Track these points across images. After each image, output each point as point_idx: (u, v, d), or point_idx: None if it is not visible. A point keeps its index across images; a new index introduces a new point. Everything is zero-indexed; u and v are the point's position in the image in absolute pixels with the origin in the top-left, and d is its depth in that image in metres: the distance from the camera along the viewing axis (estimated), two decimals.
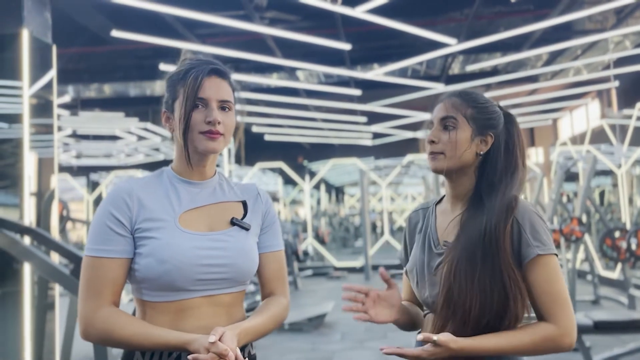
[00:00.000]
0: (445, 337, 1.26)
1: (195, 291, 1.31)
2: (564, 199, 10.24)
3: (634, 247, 6.31)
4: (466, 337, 1.28)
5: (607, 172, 11.17)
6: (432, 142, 1.45)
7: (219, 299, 1.34)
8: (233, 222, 1.40)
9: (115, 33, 5.45)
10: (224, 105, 1.37)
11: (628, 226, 8.32)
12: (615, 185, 12.47)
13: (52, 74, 4.44)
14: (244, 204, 1.46)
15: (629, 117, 9.21)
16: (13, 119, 4.20)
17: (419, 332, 1.36)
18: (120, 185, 1.34)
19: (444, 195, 1.57)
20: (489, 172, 1.43)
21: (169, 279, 1.27)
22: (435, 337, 1.24)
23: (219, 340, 1.19)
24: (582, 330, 4.51)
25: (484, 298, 1.31)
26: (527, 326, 1.33)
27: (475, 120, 1.44)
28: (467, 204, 1.44)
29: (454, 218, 1.46)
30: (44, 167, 4.32)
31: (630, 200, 10.47)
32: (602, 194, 13.21)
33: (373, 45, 8.26)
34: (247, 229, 1.41)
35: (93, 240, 1.30)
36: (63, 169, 14.28)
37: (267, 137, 13.89)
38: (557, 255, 1.36)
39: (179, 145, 1.38)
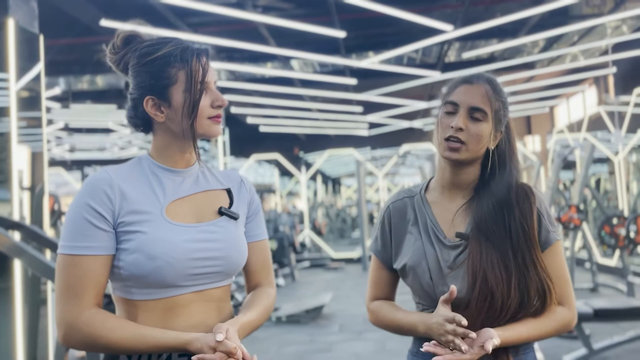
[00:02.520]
0: (488, 335, 1.23)
1: (186, 287, 1.23)
2: (561, 187, 10.20)
3: (632, 234, 6.27)
4: (497, 327, 1.27)
5: (604, 160, 11.13)
6: (460, 129, 1.35)
7: (210, 294, 1.27)
8: (221, 212, 1.31)
9: (105, 22, 5.34)
10: (217, 86, 1.31)
11: (626, 213, 8.29)
12: (611, 172, 12.44)
13: (40, 64, 4.34)
14: (229, 192, 1.38)
15: (627, 103, 9.15)
16: (0, 112, 4.10)
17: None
18: (98, 175, 1.24)
19: (428, 182, 1.50)
20: (502, 165, 1.40)
21: (159, 275, 1.18)
22: (473, 334, 1.22)
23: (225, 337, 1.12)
24: (582, 318, 4.49)
25: (520, 280, 1.30)
26: (549, 312, 1.34)
27: (497, 115, 1.38)
28: (473, 194, 1.40)
29: (459, 209, 1.40)
30: (34, 161, 4.23)
31: (628, 188, 10.43)
32: (598, 182, 13.19)
33: (368, 32, 8.16)
34: (236, 218, 1.33)
35: (70, 236, 1.18)
36: (56, 163, 14.16)
37: (262, 129, 13.79)
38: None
39: (170, 133, 1.28)
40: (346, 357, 5.15)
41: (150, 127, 1.31)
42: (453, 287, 1.27)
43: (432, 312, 1.35)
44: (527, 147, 14.86)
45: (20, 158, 4.19)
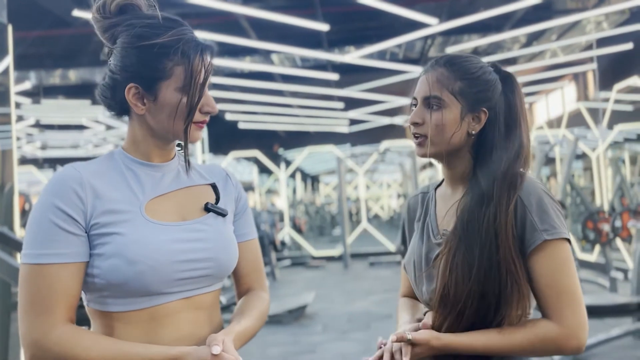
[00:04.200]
0: (424, 335, 1.14)
1: (172, 294, 1.09)
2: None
3: (616, 229, 6.29)
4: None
5: (579, 156, 11.23)
6: (415, 123, 1.25)
7: (199, 301, 1.13)
8: (208, 208, 1.18)
9: (77, 13, 5.11)
10: (217, 67, 1.20)
11: (605, 209, 8.34)
12: (586, 169, 12.58)
13: (9, 57, 4.12)
14: (214, 187, 1.24)
15: (607, 100, 9.22)
16: None
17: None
18: (66, 172, 1.08)
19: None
20: (485, 150, 1.24)
21: (141, 281, 1.03)
22: (409, 335, 1.13)
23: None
24: None
25: (480, 295, 1.14)
26: (525, 323, 1.16)
27: (465, 96, 1.23)
28: (467, 189, 1.25)
29: (453, 204, 1.27)
30: (3, 159, 4.02)
31: (602, 184, 10.54)
32: (572, 178, 13.33)
33: (351, 26, 8.06)
34: (224, 215, 1.19)
35: (35, 243, 1.02)
36: (27, 161, 13.77)
37: (241, 125, 13.60)
38: (569, 240, 1.16)
39: (147, 127, 1.13)
40: (331, 358, 5.05)
41: (126, 113, 1.16)
42: (426, 321, 1.19)
43: (428, 312, 1.31)
44: None
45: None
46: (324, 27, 6.23)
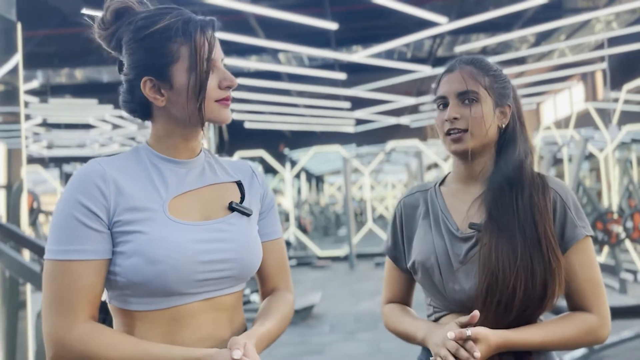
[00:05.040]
0: (484, 331, 1.12)
1: (193, 294, 1.06)
2: None
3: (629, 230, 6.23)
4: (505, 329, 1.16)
5: (586, 157, 11.17)
6: (455, 118, 1.27)
7: (221, 302, 1.11)
8: (232, 208, 1.14)
9: (86, 12, 5.09)
10: (224, 64, 1.13)
11: (614, 210, 8.28)
12: (592, 169, 12.51)
13: (18, 55, 4.11)
14: (239, 184, 1.21)
15: (616, 100, 9.15)
16: None
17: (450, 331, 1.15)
18: (89, 167, 1.06)
19: (446, 176, 1.42)
20: (508, 144, 1.30)
21: (162, 281, 1.01)
22: (469, 331, 1.11)
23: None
24: None
25: (528, 279, 1.17)
26: (569, 317, 1.22)
27: (493, 90, 1.29)
28: (489, 182, 1.29)
29: (475, 199, 1.29)
30: (11, 158, 4.01)
31: (609, 185, 10.48)
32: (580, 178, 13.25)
33: (359, 25, 8.02)
34: (248, 215, 1.16)
35: (58, 239, 1.01)
36: (34, 160, 13.80)
37: (247, 125, 13.59)
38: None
39: (172, 119, 1.10)
40: (339, 358, 5.03)
41: (149, 112, 1.13)
42: (475, 313, 1.15)
43: (444, 315, 1.29)
44: None
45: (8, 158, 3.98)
46: (332, 25, 6.21)
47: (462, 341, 1.12)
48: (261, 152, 13.89)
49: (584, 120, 10.66)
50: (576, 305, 1.22)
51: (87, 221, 1.01)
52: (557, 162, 11.05)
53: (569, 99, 13.59)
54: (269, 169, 15.66)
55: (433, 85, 1.38)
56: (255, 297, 6.41)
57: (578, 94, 13.31)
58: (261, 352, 1.09)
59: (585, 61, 8.96)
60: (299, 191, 22.10)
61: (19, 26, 4.15)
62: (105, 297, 1.10)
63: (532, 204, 1.21)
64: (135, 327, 1.05)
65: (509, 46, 9.07)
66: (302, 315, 6.76)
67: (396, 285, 1.45)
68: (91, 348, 0.98)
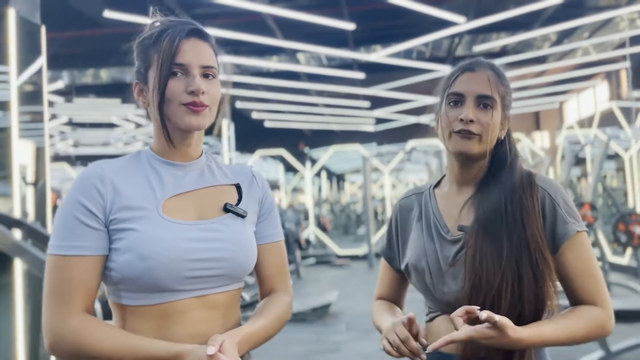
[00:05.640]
0: (506, 322, 1.08)
1: (184, 291, 1.10)
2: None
3: None
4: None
5: (611, 156, 10.95)
6: (471, 120, 1.25)
7: (213, 300, 1.14)
8: (227, 209, 1.19)
9: (108, 14, 5.22)
10: (207, 72, 1.14)
11: (638, 211, 8.12)
12: (619, 169, 12.25)
13: (42, 56, 4.22)
14: (238, 187, 1.25)
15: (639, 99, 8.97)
16: (1, 106, 4.00)
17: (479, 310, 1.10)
18: (90, 169, 1.12)
19: (441, 179, 1.43)
20: (504, 153, 1.31)
21: (152, 277, 1.06)
22: (497, 317, 1.06)
23: (219, 351, 1.01)
24: None
25: (515, 282, 1.16)
26: (577, 312, 1.20)
27: (503, 101, 1.29)
28: (479, 186, 1.30)
29: (466, 201, 1.29)
30: (37, 156, 4.14)
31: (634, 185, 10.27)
32: (604, 179, 13.01)
33: (377, 25, 8.00)
34: (243, 216, 1.20)
35: (59, 235, 1.08)
36: (60, 158, 14.10)
37: (267, 124, 13.67)
38: (588, 232, 1.27)
39: (156, 121, 1.16)
40: (354, 357, 5.05)
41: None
42: (471, 308, 1.11)
43: (437, 316, 1.31)
44: (536, 143, 14.68)
45: (23, 153, 4.10)
46: (349, 26, 6.22)
47: (490, 325, 1.07)
48: (281, 151, 13.97)
49: (608, 119, 10.46)
50: (578, 300, 1.22)
51: (86, 219, 1.07)
52: (580, 161, 10.88)
53: (593, 98, 13.35)
54: (289, 168, 15.74)
55: (442, 81, 1.35)
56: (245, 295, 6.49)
57: (602, 93, 13.06)
58: (247, 350, 1.12)
59: (609, 59, 8.79)
60: (319, 190, 22.13)
61: (43, 29, 4.27)
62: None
63: (521, 208, 1.21)
64: (129, 321, 1.10)
65: (529, 45, 8.95)
66: (319, 313, 6.79)
67: (388, 284, 1.48)
68: (82, 339, 1.04)
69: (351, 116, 13.22)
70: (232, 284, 1.17)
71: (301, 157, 15.50)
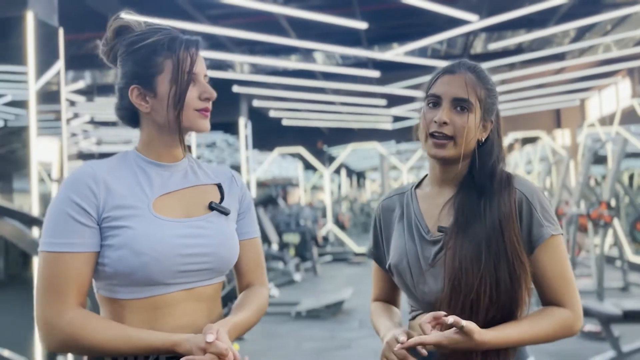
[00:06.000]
0: (473, 327, 1.13)
1: (173, 285, 1.17)
2: (592, 182, 9.89)
3: None
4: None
5: (637, 154, 10.73)
6: (444, 123, 1.27)
7: (199, 292, 1.22)
8: (212, 207, 1.26)
9: (125, 16, 5.32)
10: (207, 78, 1.26)
11: None
12: None
13: (59, 57, 4.35)
14: (220, 187, 1.32)
15: None
16: (21, 105, 4.14)
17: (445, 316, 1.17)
18: (82, 169, 1.19)
19: (423, 179, 1.45)
20: (484, 156, 1.32)
21: (146, 272, 1.13)
22: (463, 322, 1.12)
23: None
24: (611, 319, 4.32)
25: (492, 285, 1.20)
26: (543, 313, 1.25)
27: (483, 104, 1.30)
28: (459, 187, 1.33)
29: (446, 202, 1.32)
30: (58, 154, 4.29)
31: None
32: (631, 177, 12.75)
33: (391, 24, 7.99)
34: (226, 214, 1.27)
35: (51, 232, 1.13)
36: (84, 156, 14.39)
37: (285, 122, 13.75)
38: (563, 235, 1.29)
39: (155, 125, 1.23)
40: (366, 354, 5.08)
41: (137, 119, 1.26)
42: (438, 313, 1.17)
43: (419, 314, 1.34)
44: (557, 141, 14.48)
45: (47, 150, 4.24)
46: (362, 25, 6.24)
47: (457, 330, 1.12)
48: (299, 149, 14.04)
49: (630, 117, 10.26)
50: (549, 300, 1.26)
51: (78, 217, 1.13)
52: (601, 160, 10.69)
53: (615, 95, 13.10)
54: (309, 165, 15.81)
55: (426, 81, 1.38)
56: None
57: (624, 90, 12.81)
58: (234, 339, 1.19)
59: (630, 56, 8.62)
60: (339, 187, 22.16)
61: (60, 31, 4.40)
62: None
63: (499, 212, 1.23)
64: (121, 314, 1.16)
65: (548, 41, 8.83)
66: (333, 310, 6.83)
67: (381, 284, 1.50)
68: (78, 332, 1.09)
69: (368, 114, 13.21)
70: (216, 278, 1.25)
71: (319, 155, 15.56)
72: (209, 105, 1.24)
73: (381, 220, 1.45)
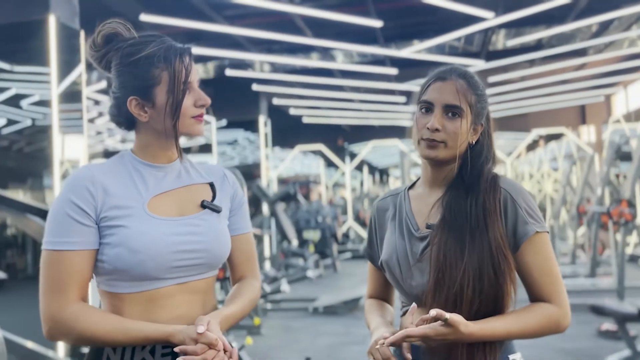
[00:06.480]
0: (458, 318, 1.17)
1: (168, 279, 1.25)
2: (620, 179, 9.69)
3: None
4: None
5: None
6: (436, 129, 1.32)
7: (194, 286, 1.29)
8: (204, 205, 1.33)
9: (144, 17, 5.46)
10: (200, 85, 1.33)
11: None
12: None
13: (81, 60, 4.50)
14: (212, 185, 1.39)
15: None
16: (48, 105, 4.30)
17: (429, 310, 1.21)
18: (81, 172, 1.26)
19: (417, 180, 1.50)
20: (474, 158, 1.36)
21: (141, 268, 1.20)
22: (447, 315, 1.16)
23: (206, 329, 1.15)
24: (627, 318, 4.27)
25: (475, 278, 1.23)
26: (530, 308, 1.28)
27: (473, 109, 1.35)
28: (448, 187, 1.38)
29: (436, 201, 1.37)
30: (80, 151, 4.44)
31: None
32: None
33: (407, 21, 7.97)
34: (218, 212, 1.34)
35: (53, 232, 1.21)
36: (110, 153, 14.71)
37: (305, 120, 13.81)
38: (548, 232, 1.33)
39: (153, 131, 1.29)
40: None
41: (134, 125, 1.32)
42: (414, 306, 1.25)
43: (408, 308, 1.36)
44: (582, 138, 14.22)
45: (74, 148, 4.40)
46: (377, 23, 6.26)
47: (442, 322, 1.16)
48: (320, 146, 14.10)
49: None
50: (536, 297, 1.29)
51: (78, 217, 1.20)
52: (626, 157, 10.48)
53: None
54: (331, 163, 15.85)
55: (421, 86, 1.42)
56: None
57: None
58: (225, 330, 1.27)
59: None
60: (361, 184, 22.15)
61: (82, 34, 4.55)
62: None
63: (484, 209, 1.28)
64: (119, 307, 1.24)
65: (569, 37, 8.68)
66: (349, 306, 6.89)
67: (375, 282, 1.56)
68: (80, 324, 1.17)
69: (388, 111, 13.18)
70: (209, 272, 1.32)
71: (340, 152, 15.58)
72: (204, 111, 1.31)
73: (376, 220, 1.51)
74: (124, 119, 1.31)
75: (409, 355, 1.22)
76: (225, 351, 1.17)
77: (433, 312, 1.15)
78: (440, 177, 1.39)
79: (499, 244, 1.25)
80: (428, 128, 1.32)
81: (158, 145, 1.31)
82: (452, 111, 1.32)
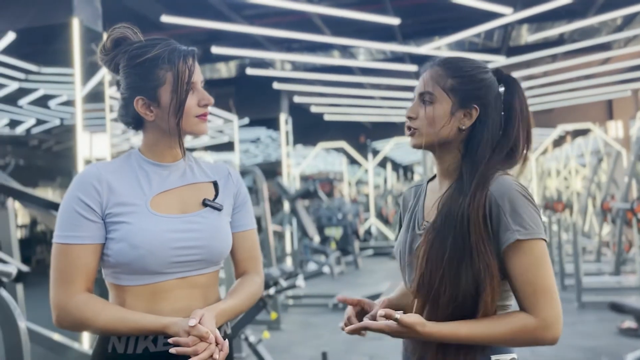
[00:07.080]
0: (412, 319, 1.19)
1: (169, 274, 1.31)
2: None
3: None
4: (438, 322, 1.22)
5: None
6: (410, 117, 1.37)
7: (194, 280, 1.35)
8: (205, 203, 1.38)
9: (165, 18, 5.58)
10: (203, 85, 1.38)
11: None
12: None
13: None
14: (215, 184, 1.45)
15: None
16: (74, 105, 4.44)
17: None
18: (88, 170, 1.33)
19: None
20: (472, 146, 1.32)
21: (142, 263, 1.27)
22: (397, 315, 1.17)
23: (199, 322, 1.20)
24: None
25: (454, 283, 1.22)
26: (504, 316, 1.24)
27: (456, 92, 1.32)
28: (453, 181, 1.34)
29: (439, 197, 1.35)
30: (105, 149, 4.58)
31: None
32: None
33: (425, 18, 7.94)
34: (219, 210, 1.40)
35: (62, 227, 1.28)
36: None
37: (326, 117, 13.85)
38: (545, 240, 1.23)
39: (159, 130, 1.36)
40: (397, 347, 5.13)
41: (141, 124, 1.39)
42: (384, 299, 1.32)
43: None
44: (609, 133, 13.92)
45: (100, 147, 4.54)
46: (394, 21, 6.27)
47: (391, 320, 1.18)
48: (342, 144, 14.14)
49: None
50: (520, 306, 1.25)
51: (85, 213, 1.28)
52: None
53: None
54: (354, 160, 15.86)
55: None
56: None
57: None
58: (223, 323, 1.33)
59: None
60: (385, 181, 22.08)
61: (105, 36, 4.68)
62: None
63: (468, 213, 1.24)
64: (124, 298, 1.31)
65: (591, 31, 8.52)
66: None
67: None
68: (84, 314, 1.25)
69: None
70: (210, 267, 1.38)
71: (362, 149, 15.57)
72: (207, 110, 1.36)
73: (401, 210, 1.54)
74: (131, 119, 1.38)
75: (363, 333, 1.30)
76: (217, 344, 1.21)
77: (382, 311, 1.18)
78: (443, 168, 1.37)
79: (480, 251, 1.21)
80: (407, 117, 1.37)
81: (164, 144, 1.37)
82: (424, 98, 1.33)
